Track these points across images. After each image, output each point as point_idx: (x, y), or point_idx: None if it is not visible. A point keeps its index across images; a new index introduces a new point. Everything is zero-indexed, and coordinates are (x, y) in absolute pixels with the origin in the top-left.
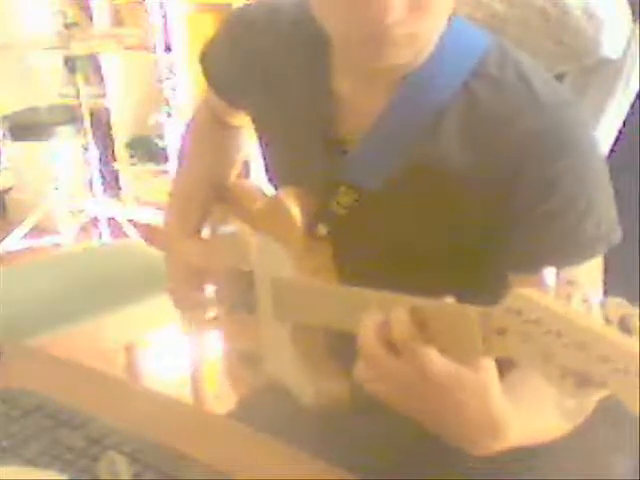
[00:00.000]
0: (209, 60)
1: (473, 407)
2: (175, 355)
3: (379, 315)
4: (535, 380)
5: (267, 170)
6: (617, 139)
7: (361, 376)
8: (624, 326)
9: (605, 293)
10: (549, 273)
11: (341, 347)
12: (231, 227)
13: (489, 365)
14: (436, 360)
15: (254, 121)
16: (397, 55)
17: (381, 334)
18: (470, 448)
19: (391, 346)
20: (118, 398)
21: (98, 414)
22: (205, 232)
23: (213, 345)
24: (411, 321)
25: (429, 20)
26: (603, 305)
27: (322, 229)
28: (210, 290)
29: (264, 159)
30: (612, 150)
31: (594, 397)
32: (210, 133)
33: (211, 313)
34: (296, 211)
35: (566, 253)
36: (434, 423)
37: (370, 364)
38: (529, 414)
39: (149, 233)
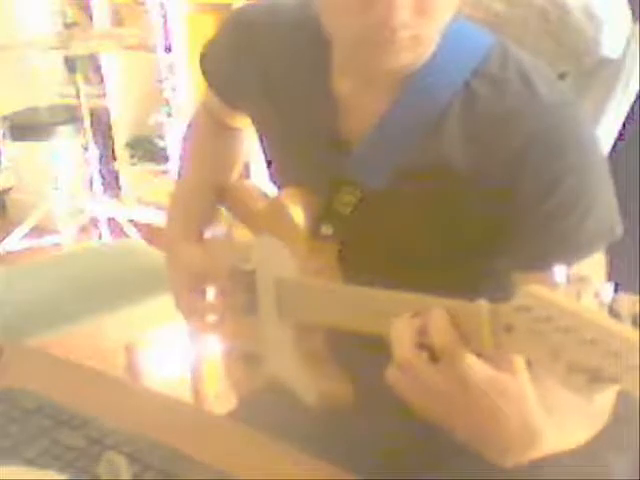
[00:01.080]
0: (209, 61)
1: (512, 413)
2: (175, 355)
3: (413, 319)
4: (560, 388)
5: (269, 171)
6: (617, 139)
7: (394, 382)
8: (636, 322)
9: (616, 289)
10: (559, 270)
11: (344, 347)
12: (233, 228)
13: (523, 368)
14: (476, 366)
15: (255, 122)
16: (400, 58)
17: (418, 339)
18: (503, 458)
19: (428, 351)
20: (118, 398)
21: (98, 414)
22: (207, 234)
23: (213, 345)
24: (453, 327)
25: (433, 23)
26: (615, 301)
27: (326, 229)
28: (212, 293)
29: (266, 160)
30: (612, 150)
31: (604, 394)
32: (210, 135)
33: (213, 316)
34: (299, 211)
35: (569, 250)
36: (468, 432)
37: (406, 371)
38: (555, 421)
39: (149, 233)
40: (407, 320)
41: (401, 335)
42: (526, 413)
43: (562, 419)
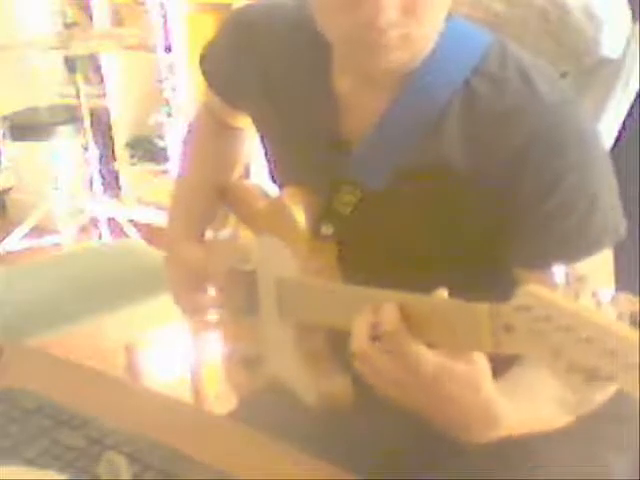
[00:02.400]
0: (209, 62)
1: (465, 398)
2: (175, 355)
3: (371, 313)
4: (531, 372)
5: (270, 170)
6: (617, 138)
7: (355, 365)
8: (634, 321)
9: (615, 289)
10: (558, 270)
11: (344, 347)
12: (233, 228)
13: (479, 358)
14: (423, 354)
15: (255, 122)
16: (392, 57)
17: (373, 331)
18: (465, 436)
19: (382, 343)
20: (118, 398)
21: (98, 414)
22: (208, 234)
23: (214, 345)
24: (399, 317)
25: (423, 22)
26: (613, 301)
27: (326, 229)
28: (212, 292)
29: (267, 159)
30: (612, 149)
31: (602, 392)
32: (211, 135)
33: (213, 316)
34: (299, 211)
35: (572, 249)
36: (430, 413)
37: (363, 360)
38: (526, 404)
39: (149, 233)
40: (365, 314)
41: (358, 328)
42: (479, 397)
43: (527, 399)
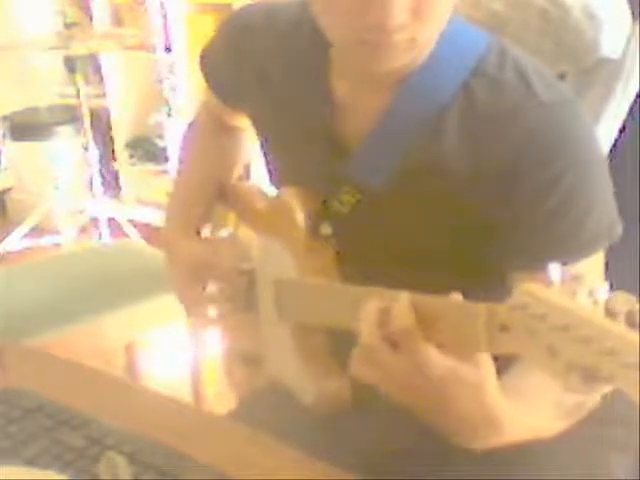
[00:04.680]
0: (208, 63)
1: (469, 402)
2: (175, 355)
3: (382, 305)
4: (533, 377)
5: (269, 171)
6: (617, 139)
7: (356, 363)
8: (630, 320)
9: (611, 288)
10: (554, 269)
11: (343, 347)
12: (233, 228)
13: (486, 360)
14: (433, 355)
15: (254, 123)
16: (396, 59)
17: (382, 324)
18: (466, 442)
19: (390, 337)
20: (118, 398)
21: (98, 414)
22: (207, 233)
23: (213, 345)
24: (413, 315)
25: (430, 25)
26: (609, 300)
27: (325, 229)
28: (212, 289)
29: (266, 160)
30: (612, 150)
31: (599, 392)
32: (211, 135)
33: (213, 311)
34: (299, 211)
35: (568, 250)
36: (430, 416)
37: (367, 352)
38: (526, 410)
39: (149, 233)
40: (373, 310)
41: (367, 318)
42: (484, 402)
43: (530, 405)
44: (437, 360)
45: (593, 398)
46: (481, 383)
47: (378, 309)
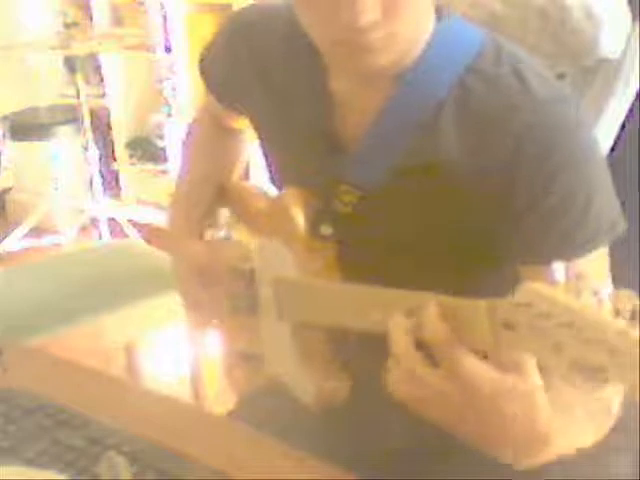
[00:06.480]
0: (208, 65)
1: (520, 417)
2: (175, 355)
3: (409, 316)
4: (563, 387)
5: (269, 172)
6: (617, 139)
7: (395, 386)
8: (634, 318)
9: (615, 286)
10: (558, 267)
11: (342, 346)
12: (233, 228)
13: (533, 368)
14: (477, 367)
15: (253, 124)
16: (378, 58)
17: (413, 336)
18: (515, 460)
19: (424, 349)
20: (118, 398)
21: (98, 414)
22: (208, 234)
23: (213, 345)
24: (445, 323)
25: (406, 20)
26: (613, 297)
27: (325, 229)
28: (213, 289)
29: (266, 161)
30: (612, 150)
31: (604, 390)
32: (211, 136)
33: (215, 312)
34: (299, 212)
35: (569, 247)
36: (474, 435)
37: (405, 371)
38: (565, 422)
39: (149, 233)
40: (402, 317)
41: (397, 332)
42: (536, 415)
43: (569, 421)
44: (481, 371)
45: (614, 402)
46: (532, 395)
47: (406, 318)
